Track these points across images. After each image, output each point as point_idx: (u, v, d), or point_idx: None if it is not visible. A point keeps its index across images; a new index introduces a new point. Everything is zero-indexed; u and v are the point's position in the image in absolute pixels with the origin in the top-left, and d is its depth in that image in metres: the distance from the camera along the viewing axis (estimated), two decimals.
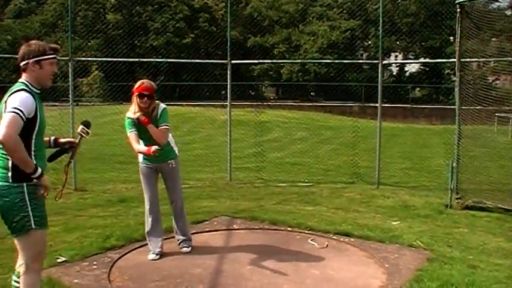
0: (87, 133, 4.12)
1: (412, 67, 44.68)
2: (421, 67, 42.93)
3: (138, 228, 6.83)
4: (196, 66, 31.18)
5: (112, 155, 14.84)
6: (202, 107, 27.36)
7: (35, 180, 3.63)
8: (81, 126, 4.12)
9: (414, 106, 33.67)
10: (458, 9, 8.54)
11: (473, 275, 5.16)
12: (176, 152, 6.04)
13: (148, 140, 5.66)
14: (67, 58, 10.73)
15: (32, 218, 3.64)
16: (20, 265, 3.83)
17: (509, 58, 8.84)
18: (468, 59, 8.93)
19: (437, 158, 15.21)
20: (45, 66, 3.77)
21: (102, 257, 5.84)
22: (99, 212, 8.15)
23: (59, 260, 5.68)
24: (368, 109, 33.44)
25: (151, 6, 41.80)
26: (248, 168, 12.59)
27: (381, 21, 10.81)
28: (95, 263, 5.65)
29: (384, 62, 11.36)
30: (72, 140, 4.19)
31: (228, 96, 11.31)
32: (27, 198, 3.62)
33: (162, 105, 5.82)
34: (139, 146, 5.62)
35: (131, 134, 5.64)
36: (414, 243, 6.30)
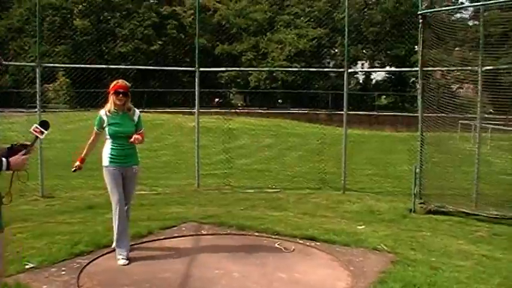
0: (42, 132, 3.85)
1: (378, 75, 45.41)
2: (387, 75, 43.64)
3: (107, 234, 6.84)
4: (164, 73, 31.20)
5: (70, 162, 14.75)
6: (171, 114, 27.36)
7: None
8: (34, 125, 3.85)
9: (380, 113, 34.19)
10: (421, 20, 8.79)
11: (435, 276, 5.35)
12: (138, 159, 6.24)
13: (123, 142, 5.96)
14: (34, 64, 10.65)
15: None
16: None
17: (471, 67, 9.11)
18: (431, 68, 9.20)
19: (402, 164, 15.55)
20: None
21: (71, 263, 5.84)
22: (67, 219, 8.12)
23: (27, 266, 5.68)
24: (335, 116, 33.82)
25: (120, 13, 41.60)
26: (216, 175, 12.67)
27: (346, 30, 11.05)
28: (63, 268, 5.66)
29: (350, 70, 11.60)
30: (26, 142, 3.91)
31: (196, 103, 11.39)
32: None
33: (137, 111, 6.17)
34: (88, 143, 6.21)
35: (94, 131, 6.13)
36: (379, 246, 6.48)
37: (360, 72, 43.19)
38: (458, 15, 13.85)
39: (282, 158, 17.58)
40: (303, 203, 9.53)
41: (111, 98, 6.00)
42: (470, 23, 17.29)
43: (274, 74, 38.91)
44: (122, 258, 5.94)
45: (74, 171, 6.34)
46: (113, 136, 6.01)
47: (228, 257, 6.12)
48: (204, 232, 7.25)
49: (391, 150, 20.69)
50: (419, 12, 8.83)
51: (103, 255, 6.19)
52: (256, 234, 7.12)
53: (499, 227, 7.83)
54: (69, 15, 42.37)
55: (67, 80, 37.50)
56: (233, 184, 11.44)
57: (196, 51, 11.39)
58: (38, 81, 10.67)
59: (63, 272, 5.55)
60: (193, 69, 11.35)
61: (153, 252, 6.28)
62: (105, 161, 6.06)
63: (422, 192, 9.09)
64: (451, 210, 8.54)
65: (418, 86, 9.23)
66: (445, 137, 10.67)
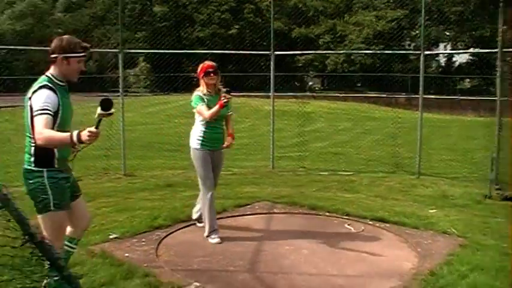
0: (109, 114, 3.71)
1: (461, 57, 43.81)
2: (471, 58, 42.02)
3: (184, 211, 7.22)
4: (241, 57, 31.54)
5: (159, 143, 15.35)
6: (247, 98, 27.73)
7: (56, 166, 3.90)
8: (97, 113, 3.69)
9: (462, 98, 33.18)
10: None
11: (505, 261, 5.29)
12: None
13: (216, 124, 6.07)
14: (117, 50, 11.14)
15: (51, 201, 3.86)
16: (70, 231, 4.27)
17: None
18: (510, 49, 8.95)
19: (481, 151, 15.14)
20: (73, 63, 3.94)
21: (150, 235, 6.23)
22: (147, 195, 8.55)
23: (111, 237, 6.11)
24: (414, 100, 33.06)
25: None
26: (290, 157, 12.85)
27: (423, 10, 10.89)
28: (143, 240, 6.05)
29: (426, 52, 11.39)
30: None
31: (271, 86, 11.59)
32: (47, 183, 3.85)
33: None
34: (209, 112, 5.88)
35: (201, 107, 5.97)
36: (448, 230, 6.46)
37: (441, 55, 41.85)
38: None
39: (358, 141, 17.52)
40: (375, 185, 9.57)
41: (202, 81, 6.05)
42: None
43: (352, 57, 38.46)
44: (216, 237, 6.09)
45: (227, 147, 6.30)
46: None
47: (298, 235, 6.33)
48: (276, 211, 7.49)
49: (472, 135, 20.12)
50: None
51: (180, 229, 6.55)
52: (327, 214, 7.28)
53: None
54: (148, 2, 43.56)
55: (147, 65, 38.75)
56: (307, 166, 11.59)
57: (271, 35, 11.58)
58: (120, 66, 11.19)
59: (143, 243, 5.94)
60: (268, 52, 11.54)
61: (226, 229, 6.53)
62: (196, 143, 6.11)
63: (499, 178, 8.90)
64: None
65: (497, 68, 9.01)
66: None
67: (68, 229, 4.25)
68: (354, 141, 17.71)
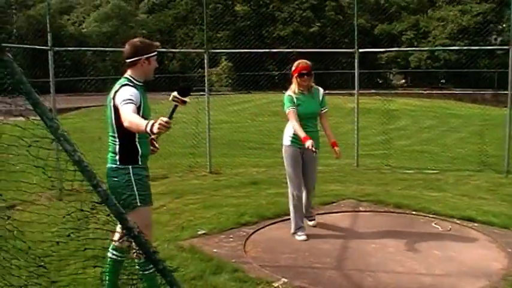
0: (183, 102, 3.61)
1: None
2: None
3: (270, 208, 7.40)
4: (323, 55, 31.51)
5: (243, 141, 15.66)
6: (330, 95, 27.56)
7: (140, 163, 4.04)
8: (173, 94, 3.63)
9: None
10: None
11: None
12: (320, 142, 6.29)
13: (307, 122, 6.10)
14: (203, 50, 11.44)
15: (137, 196, 3.97)
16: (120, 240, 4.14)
17: None
18: None
19: None
20: (153, 62, 4.15)
21: (237, 231, 6.44)
22: (233, 193, 8.78)
23: (199, 233, 6.37)
24: (501, 97, 31.88)
25: None
26: (374, 155, 12.78)
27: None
28: (231, 236, 6.26)
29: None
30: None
31: (356, 84, 11.57)
32: (132, 179, 3.96)
33: (321, 89, 6.29)
34: (296, 125, 5.95)
35: (290, 110, 6.02)
36: None
37: (510, 49, 39.86)
38: None
39: (443, 139, 17.16)
40: (462, 184, 9.39)
41: (295, 80, 6.12)
42: None
43: (436, 53, 37.47)
44: (302, 235, 6.19)
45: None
46: (300, 116, 6.02)
47: (384, 233, 6.35)
48: (361, 209, 7.53)
49: None
50: None
51: (266, 226, 6.71)
52: (414, 213, 7.24)
53: None
54: (230, 2, 44.24)
55: (229, 64, 39.36)
56: (392, 164, 11.50)
57: (355, 32, 11.55)
58: (206, 66, 11.50)
59: (231, 239, 6.15)
60: (352, 50, 11.53)
61: (312, 226, 6.62)
62: (287, 140, 6.20)
63: None
64: None
65: None
66: None
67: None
68: (439, 139, 17.36)
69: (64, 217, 3.14)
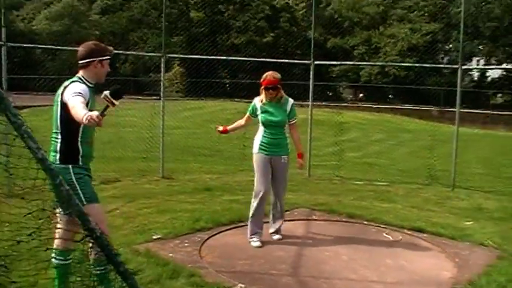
0: (113, 103, 3.70)
1: (494, 72, 43.41)
2: (504, 73, 41.64)
3: (225, 214, 7.43)
4: (275, 65, 31.87)
5: (195, 147, 15.65)
6: None
7: (80, 163, 4.01)
8: (104, 93, 3.72)
9: (494, 112, 32.91)
10: None
11: None
12: (289, 149, 6.42)
13: (274, 131, 6.27)
14: (160, 54, 11.37)
15: (82, 196, 3.90)
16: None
17: None
18: None
19: None
20: (105, 65, 4.21)
21: (192, 236, 6.42)
22: (187, 198, 8.75)
23: (154, 237, 6.33)
24: (447, 113, 32.95)
25: (234, 5, 42.74)
26: (326, 166, 12.97)
27: (462, 25, 10.97)
28: (186, 241, 6.25)
29: (464, 67, 11.41)
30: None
31: (310, 96, 11.75)
32: (74, 179, 3.92)
33: (291, 100, 6.36)
34: (238, 122, 6.63)
35: (247, 115, 6.51)
36: (485, 242, 6.54)
37: (474, 69, 41.53)
38: None
39: (392, 153, 17.62)
40: (411, 196, 9.67)
41: (263, 91, 6.26)
42: None
43: (386, 69, 38.40)
44: (257, 241, 6.25)
45: (220, 132, 6.80)
46: (264, 124, 6.26)
47: (337, 242, 6.48)
48: (315, 218, 7.65)
49: (505, 151, 20.00)
50: None
51: (221, 232, 6.73)
52: (365, 222, 7.41)
53: None
54: (185, 7, 44.14)
55: (181, 69, 39.20)
56: (343, 175, 11.71)
57: (312, 44, 11.78)
58: (162, 70, 11.45)
59: (186, 244, 6.13)
60: (308, 62, 11.72)
61: (267, 233, 6.63)
62: (255, 148, 6.34)
63: None
64: None
65: None
66: None
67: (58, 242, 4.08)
68: (388, 152, 17.79)
69: (25, 216, 3.11)
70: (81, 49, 4.18)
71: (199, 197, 8.94)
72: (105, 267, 3.54)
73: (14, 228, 3.14)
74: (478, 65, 42.51)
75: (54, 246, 4.03)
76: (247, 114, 6.48)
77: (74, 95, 3.81)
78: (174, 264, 5.30)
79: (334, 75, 42.87)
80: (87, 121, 3.47)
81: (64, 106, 3.90)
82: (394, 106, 35.47)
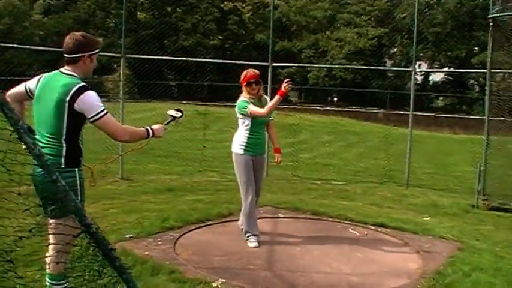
0: (174, 118, 4.33)
1: (437, 76, 44.86)
2: (445, 76, 43.13)
3: (192, 213, 7.55)
4: (221, 67, 32.04)
5: (151, 148, 15.56)
6: (230, 108, 27.95)
7: (81, 165, 3.87)
8: (173, 112, 4.35)
9: (438, 115, 34.06)
10: (491, 23, 9.13)
11: (501, 263, 5.79)
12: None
13: (259, 130, 6.37)
14: (120, 55, 11.35)
15: (82, 198, 3.82)
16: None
17: None
18: (499, 70, 9.51)
19: (461, 165, 15.78)
20: (94, 60, 3.91)
21: (164, 235, 6.50)
22: (151, 198, 8.81)
23: (126, 236, 6.38)
24: (392, 116, 33.93)
25: (182, 7, 42.56)
26: (282, 167, 13.14)
27: (415, 31, 11.41)
28: (159, 239, 6.33)
29: (418, 70, 11.88)
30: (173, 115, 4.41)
31: (268, 98, 11.91)
32: (78, 182, 3.78)
33: (268, 99, 6.55)
34: (266, 107, 6.16)
35: (251, 106, 6.14)
36: (445, 235, 6.94)
37: (418, 73, 42.73)
38: None
39: (343, 154, 18.04)
40: (369, 194, 10.04)
41: (245, 89, 6.28)
42: None
43: (333, 72, 39.07)
44: (254, 241, 6.28)
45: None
46: (253, 124, 6.23)
47: (307, 238, 6.71)
48: (281, 215, 7.87)
49: (450, 151, 20.84)
50: (490, 16, 9.17)
51: (192, 230, 6.84)
52: (330, 219, 7.69)
53: None
54: (133, 9, 43.64)
55: (127, 72, 38.71)
56: (300, 175, 11.98)
57: (270, 47, 12.02)
58: (121, 70, 11.47)
59: (159, 242, 6.21)
60: (266, 64, 11.95)
61: (237, 230, 6.76)
62: (239, 148, 6.30)
63: (484, 190, 9.44)
64: None
65: (485, 88, 9.53)
66: (503, 140, 10.89)
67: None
68: (339, 153, 18.21)
69: (23, 211, 3.16)
70: (69, 41, 3.81)
71: (162, 197, 9.01)
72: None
73: (16, 224, 3.16)
74: (420, 68, 43.71)
75: (47, 269, 3.86)
76: (251, 106, 6.15)
77: (103, 113, 3.71)
78: (153, 262, 5.37)
79: (281, 78, 43.20)
80: (159, 135, 4.00)
81: (74, 112, 3.70)
82: (341, 109, 36.15)
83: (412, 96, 11.29)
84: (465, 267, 5.48)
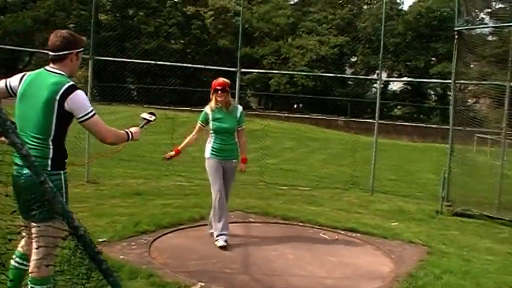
0: (149, 121, 4.38)
1: (395, 85, 45.72)
2: (404, 86, 44.07)
3: (163, 217, 7.52)
4: (184, 72, 31.99)
5: (114, 152, 15.45)
6: (191, 112, 28.00)
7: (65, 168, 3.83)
8: (141, 115, 4.44)
9: (398, 123, 34.83)
10: (456, 35, 9.44)
11: (468, 266, 6.03)
12: (238, 154, 6.68)
13: (225, 137, 6.50)
14: (88, 56, 11.25)
15: (66, 200, 3.66)
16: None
17: (500, 82, 9.68)
18: (463, 81, 9.83)
19: (423, 172, 16.21)
20: (80, 58, 3.85)
21: (138, 239, 6.48)
22: (119, 202, 8.74)
23: (100, 240, 6.33)
24: (352, 123, 34.50)
25: (145, 10, 42.29)
26: (248, 172, 13.24)
27: (382, 43, 11.68)
28: (133, 243, 6.30)
29: (384, 79, 12.22)
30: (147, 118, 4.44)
31: (238, 105, 12.01)
32: (63, 185, 3.74)
33: (240, 107, 6.67)
34: (189, 137, 6.67)
35: (198, 124, 6.62)
36: (413, 240, 7.15)
37: (377, 82, 43.40)
38: (478, 30, 14.43)
39: (306, 160, 18.25)
40: (336, 200, 10.21)
41: (213, 96, 6.46)
42: (490, 38, 17.70)
43: (295, 79, 39.41)
44: (223, 241, 6.39)
45: (168, 159, 6.95)
46: (216, 131, 6.47)
47: (280, 242, 6.80)
48: (252, 220, 7.94)
49: (412, 159, 21.32)
50: (455, 29, 9.48)
51: (165, 234, 6.83)
52: (301, 224, 7.80)
53: None
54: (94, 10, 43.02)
55: (84, 74, 38.23)
56: (266, 181, 12.08)
57: (238, 53, 12.13)
58: (90, 72, 11.36)
59: (134, 246, 6.18)
60: (235, 69, 12.03)
61: (209, 235, 6.79)
62: (207, 153, 6.56)
63: (448, 196, 9.74)
64: (476, 213, 9.22)
65: (450, 99, 9.83)
66: (463, 149, 11.25)
67: (22, 243, 3.95)
68: (303, 159, 18.41)
69: (12, 213, 3.15)
70: (55, 39, 3.72)
71: (131, 201, 8.96)
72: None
73: (4, 226, 3.15)
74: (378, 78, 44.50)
75: (31, 273, 3.74)
76: (199, 124, 6.62)
77: (91, 114, 3.69)
78: (130, 266, 5.33)
79: (243, 84, 43.42)
80: (137, 138, 4.02)
81: (64, 113, 3.64)
82: (302, 115, 36.52)
83: (377, 105, 11.56)
84: (436, 270, 5.67)
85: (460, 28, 9.43)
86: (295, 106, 44.09)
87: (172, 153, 6.72)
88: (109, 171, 12.22)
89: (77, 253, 3.38)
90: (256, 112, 36.52)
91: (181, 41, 42.40)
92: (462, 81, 9.89)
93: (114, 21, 41.61)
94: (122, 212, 7.94)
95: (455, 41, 9.50)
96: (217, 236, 6.47)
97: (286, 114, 35.35)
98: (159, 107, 26.69)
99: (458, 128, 9.68)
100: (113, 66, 26.62)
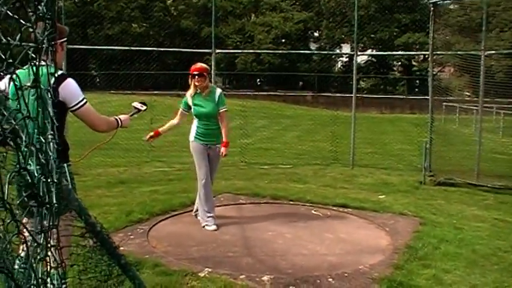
0: (139, 110, 4.42)
1: (359, 58, 45.91)
2: (369, 59, 44.34)
3: (154, 205, 7.51)
4: (145, 55, 31.76)
5: (90, 141, 15.20)
6: (159, 96, 27.80)
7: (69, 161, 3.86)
8: (133, 104, 4.46)
9: (365, 96, 35.09)
10: (432, 8, 9.56)
11: (461, 234, 6.20)
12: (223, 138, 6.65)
13: (207, 122, 6.51)
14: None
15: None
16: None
17: (475, 51, 9.86)
18: (440, 52, 9.98)
19: (396, 144, 16.44)
20: (64, 48, 3.92)
21: (134, 229, 6.45)
22: (105, 192, 8.68)
23: None
24: (320, 98, 34.71)
25: None
26: (229, 152, 13.29)
27: (355, 16, 11.73)
28: (130, 233, 6.27)
29: (360, 53, 12.29)
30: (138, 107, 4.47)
31: (215, 86, 11.99)
32: (69, 179, 3.61)
33: (219, 90, 6.68)
34: (171, 121, 6.77)
35: (180, 109, 6.68)
36: (404, 212, 7.30)
37: (344, 56, 43.65)
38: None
39: (281, 137, 18.34)
40: (320, 176, 10.32)
41: (191, 81, 6.50)
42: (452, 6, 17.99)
43: (261, 57, 39.30)
44: (213, 224, 6.51)
45: (148, 141, 6.95)
46: (197, 116, 6.54)
47: (275, 222, 6.86)
48: (242, 201, 7.98)
49: (383, 131, 21.58)
50: (431, 1, 9.59)
51: (159, 222, 6.83)
52: (291, 202, 7.89)
53: (503, 196, 8.73)
54: None
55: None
56: (247, 161, 12.13)
57: (212, 33, 12.04)
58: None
59: (131, 237, 6.16)
60: (209, 51, 11.99)
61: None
62: (192, 136, 6.62)
63: (430, 166, 9.94)
64: (458, 182, 9.42)
65: (429, 69, 9.98)
66: (436, 118, 11.45)
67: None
68: (278, 137, 18.49)
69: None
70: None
71: (117, 190, 8.91)
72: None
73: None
74: (344, 51, 44.73)
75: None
76: (180, 109, 6.68)
77: (84, 102, 3.67)
78: (133, 257, 5.27)
79: (209, 64, 43.03)
80: (126, 125, 4.00)
81: (61, 104, 3.55)
82: (270, 93, 36.52)
83: (354, 79, 11.73)
84: (432, 240, 5.82)
85: (435, 0, 9.55)
86: (261, 84, 43.96)
87: (152, 133, 6.74)
88: (88, 161, 12.01)
89: (97, 250, 3.39)
90: (224, 92, 36.34)
91: (144, 24, 41.77)
92: (439, 52, 10.04)
93: (74, 8, 40.71)
94: (111, 202, 7.88)
95: (431, 13, 9.62)
96: (205, 220, 6.54)
97: (254, 93, 35.27)
98: (123, 92, 26.41)
99: (438, 98, 9.84)
100: (78, 54, 26.19)
